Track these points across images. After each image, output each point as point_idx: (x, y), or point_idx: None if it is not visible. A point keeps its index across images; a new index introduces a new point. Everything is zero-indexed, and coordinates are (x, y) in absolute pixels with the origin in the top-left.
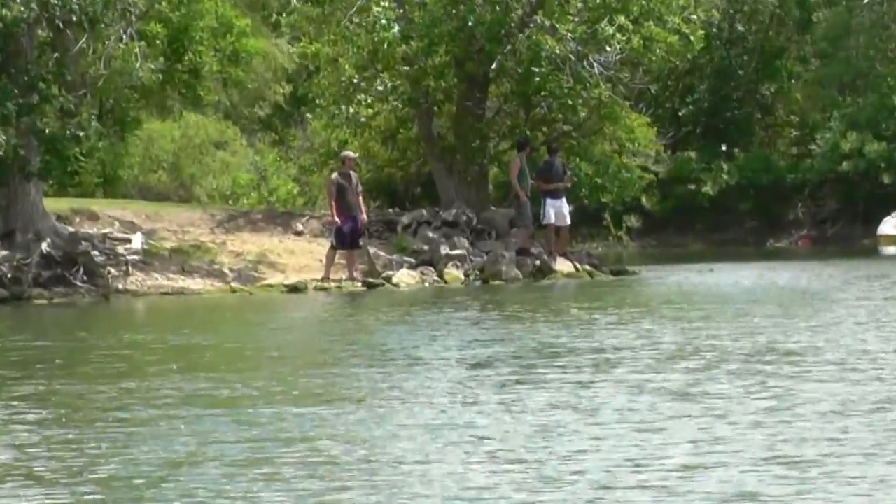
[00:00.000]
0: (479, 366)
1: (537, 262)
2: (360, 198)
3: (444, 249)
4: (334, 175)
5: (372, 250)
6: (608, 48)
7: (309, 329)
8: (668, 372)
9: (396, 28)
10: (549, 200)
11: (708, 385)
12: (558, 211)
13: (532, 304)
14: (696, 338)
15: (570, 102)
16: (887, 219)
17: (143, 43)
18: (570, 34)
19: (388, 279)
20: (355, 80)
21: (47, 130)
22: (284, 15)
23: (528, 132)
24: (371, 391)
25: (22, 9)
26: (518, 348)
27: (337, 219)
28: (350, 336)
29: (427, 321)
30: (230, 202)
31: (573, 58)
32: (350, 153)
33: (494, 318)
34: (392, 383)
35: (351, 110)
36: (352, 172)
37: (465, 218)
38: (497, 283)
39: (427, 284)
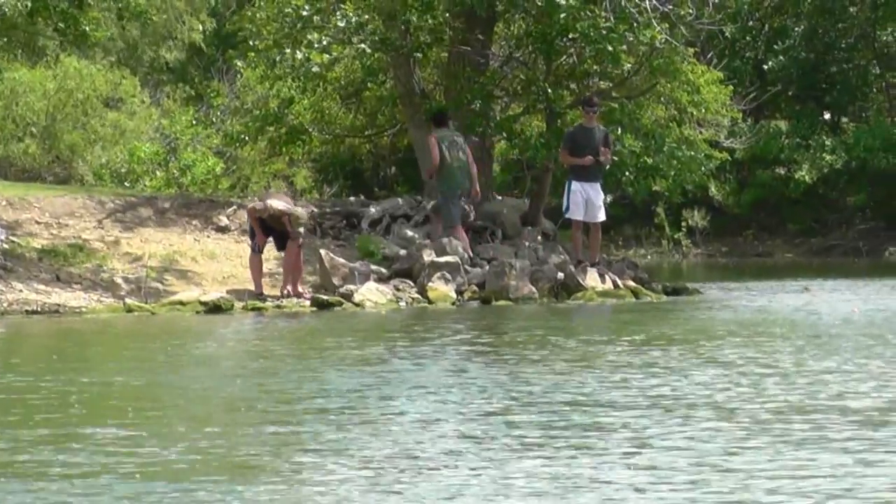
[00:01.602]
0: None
1: (560, 275)
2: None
3: (429, 255)
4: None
5: (325, 255)
6: None
7: (231, 368)
8: (755, 438)
9: None
10: (575, 184)
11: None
12: (589, 200)
13: (552, 339)
14: (788, 390)
15: (609, 48)
16: None
17: None
18: None
19: (348, 296)
20: (305, 13)
21: None
22: None
23: (548, 89)
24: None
25: None
26: (537, 417)
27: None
28: (293, 381)
29: (399, 359)
30: (126, 184)
31: None
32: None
33: (497, 359)
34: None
35: (298, 55)
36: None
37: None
38: (503, 303)
39: (403, 304)
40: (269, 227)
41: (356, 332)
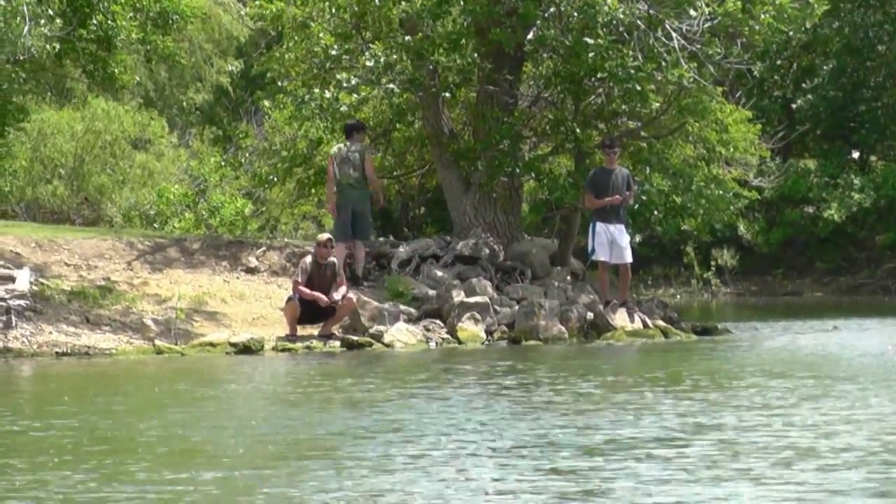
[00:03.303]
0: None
1: (589, 315)
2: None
3: (458, 296)
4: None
5: (355, 296)
6: (692, 12)
7: (266, 409)
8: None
9: None
10: (599, 226)
11: None
12: (614, 242)
13: (575, 380)
14: (822, 434)
15: (638, 88)
16: None
17: None
18: None
19: (378, 336)
20: (333, 53)
21: None
22: None
23: (576, 128)
24: None
25: None
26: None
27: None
28: (330, 420)
29: (429, 399)
30: (155, 226)
31: (643, 25)
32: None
33: (536, 399)
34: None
35: (327, 95)
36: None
37: (487, 251)
38: (532, 343)
39: (433, 345)
40: (308, 302)
41: (383, 373)
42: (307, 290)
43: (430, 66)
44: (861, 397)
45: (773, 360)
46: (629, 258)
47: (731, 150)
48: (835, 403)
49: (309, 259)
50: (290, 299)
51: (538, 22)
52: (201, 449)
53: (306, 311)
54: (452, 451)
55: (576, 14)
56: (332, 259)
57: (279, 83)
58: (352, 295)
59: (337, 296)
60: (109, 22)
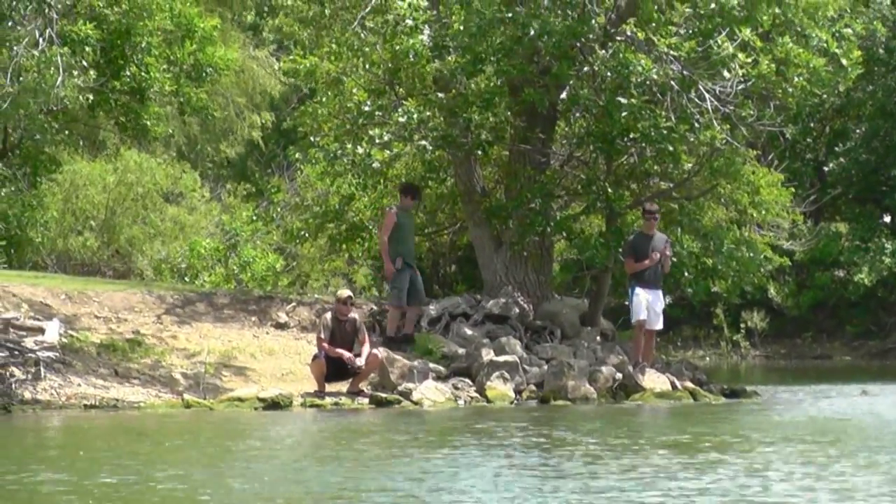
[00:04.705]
0: None
1: (618, 376)
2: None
3: (488, 354)
4: (328, 315)
5: (384, 353)
6: (726, 73)
7: (288, 467)
8: None
9: (426, 34)
10: (639, 290)
11: None
12: (651, 307)
13: (612, 442)
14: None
15: (670, 149)
16: None
17: (66, 49)
18: (672, 52)
19: (407, 394)
20: (366, 109)
21: None
22: (267, 16)
23: (608, 188)
24: None
25: None
26: None
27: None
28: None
29: (460, 459)
30: (185, 279)
31: (676, 86)
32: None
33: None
34: None
35: (359, 151)
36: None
37: (517, 310)
38: (561, 402)
39: (462, 403)
40: (334, 360)
41: (416, 432)
42: (333, 349)
43: (463, 124)
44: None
45: (804, 425)
46: (660, 325)
47: (763, 213)
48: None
49: (329, 315)
50: (315, 357)
51: (571, 81)
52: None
53: (332, 369)
54: None
55: (609, 74)
56: (353, 315)
57: (312, 138)
58: (377, 351)
59: (360, 361)
60: (143, 74)
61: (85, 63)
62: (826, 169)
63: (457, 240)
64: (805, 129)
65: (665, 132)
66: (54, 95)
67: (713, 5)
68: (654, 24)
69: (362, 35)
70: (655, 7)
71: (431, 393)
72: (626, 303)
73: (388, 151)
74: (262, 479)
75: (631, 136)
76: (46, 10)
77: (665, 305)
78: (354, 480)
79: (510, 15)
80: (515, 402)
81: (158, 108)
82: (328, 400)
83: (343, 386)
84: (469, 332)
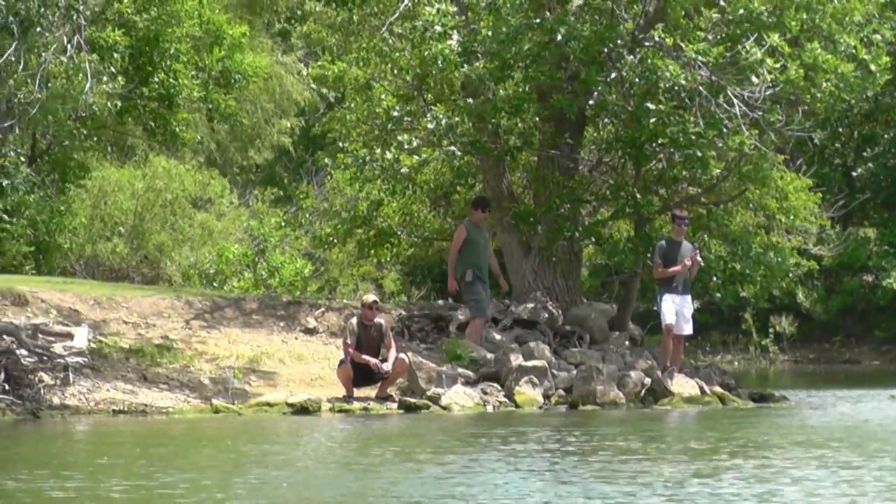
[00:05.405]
0: None
1: (647, 381)
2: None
3: (517, 359)
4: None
5: (413, 358)
6: (754, 79)
7: (320, 473)
8: None
9: (455, 40)
10: (668, 295)
11: None
12: (679, 312)
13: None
14: None
15: (698, 154)
16: None
17: (95, 56)
18: (700, 57)
19: (436, 399)
20: (395, 115)
21: None
22: (295, 22)
23: (637, 194)
24: None
25: None
26: None
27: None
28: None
29: (489, 463)
30: (214, 285)
31: (704, 91)
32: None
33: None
34: None
35: (388, 156)
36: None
37: (546, 315)
38: (589, 407)
39: (490, 408)
40: (361, 365)
41: (445, 438)
42: (359, 354)
43: (492, 130)
44: None
45: (834, 429)
46: (689, 331)
47: (792, 218)
48: None
49: (355, 321)
50: (342, 362)
51: (600, 87)
52: None
53: (360, 374)
54: None
55: (637, 80)
56: (380, 320)
57: (340, 144)
58: (403, 356)
59: (386, 366)
60: (171, 80)
61: (113, 69)
62: (854, 174)
63: None
64: (833, 134)
65: (693, 137)
66: (83, 102)
67: (741, 11)
68: (682, 30)
69: (391, 41)
70: (683, 13)
71: (460, 398)
72: (655, 308)
73: (416, 157)
74: (281, 486)
75: (659, 141)
76: (75, 17)
77: (693, 310)
78: (387, 487)
79: (538, 21)
80: (544, 406)
81: (187, 114)
82: (357, 405)
83: (371, 391)
84: (498, 336)
